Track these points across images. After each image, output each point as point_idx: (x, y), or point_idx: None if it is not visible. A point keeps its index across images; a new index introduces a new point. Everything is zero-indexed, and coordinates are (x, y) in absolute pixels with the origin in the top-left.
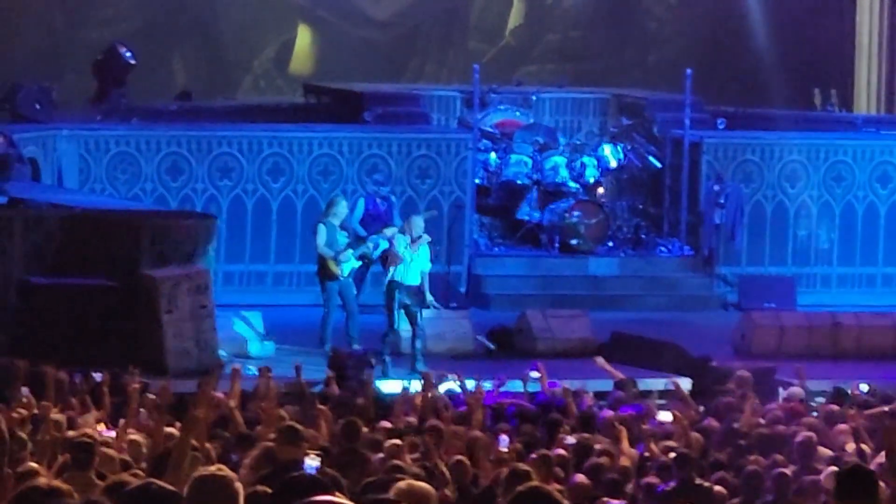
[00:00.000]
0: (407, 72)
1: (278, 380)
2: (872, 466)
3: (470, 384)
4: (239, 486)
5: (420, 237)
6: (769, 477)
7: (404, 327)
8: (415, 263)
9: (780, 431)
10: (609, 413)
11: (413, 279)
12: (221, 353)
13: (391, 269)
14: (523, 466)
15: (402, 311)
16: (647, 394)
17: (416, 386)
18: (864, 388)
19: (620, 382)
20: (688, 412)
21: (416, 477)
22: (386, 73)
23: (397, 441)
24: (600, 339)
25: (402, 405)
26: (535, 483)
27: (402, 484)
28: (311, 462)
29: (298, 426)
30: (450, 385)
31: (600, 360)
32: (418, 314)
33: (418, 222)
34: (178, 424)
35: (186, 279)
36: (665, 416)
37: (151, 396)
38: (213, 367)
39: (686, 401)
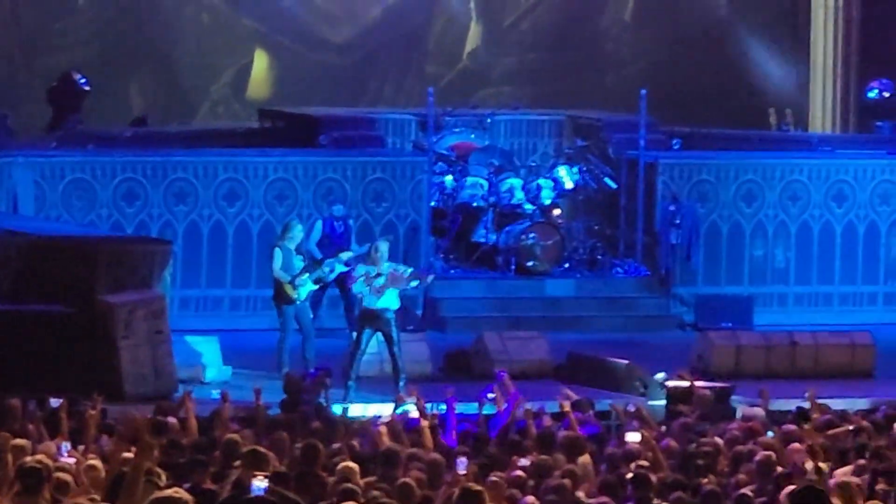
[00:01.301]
0: (365, 96)
1: (236, 404)
2: (831, 484)
3: (428, 407)
4: None
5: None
6: (730, 498)
7: (370, 352)
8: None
9: (738, 451)
10: (568, 433)
11: (382, 302)
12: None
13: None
14: (475, 486)
15: (376, 335)
16: (606, 415)
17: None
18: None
19: (577, 403)
20: (648, 432)
21: (372, 500)
22: (344, 97)
23: (350, 464)
24: (557, 360)
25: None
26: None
27: None
28: (259, 484)
29: (262, 450)
30: (407, 408)
31: (566, 393)
32: (395, 339)
33: (383, 249)
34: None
35: (142, 305)
36: (633, 437)
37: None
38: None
39: (646, 421)
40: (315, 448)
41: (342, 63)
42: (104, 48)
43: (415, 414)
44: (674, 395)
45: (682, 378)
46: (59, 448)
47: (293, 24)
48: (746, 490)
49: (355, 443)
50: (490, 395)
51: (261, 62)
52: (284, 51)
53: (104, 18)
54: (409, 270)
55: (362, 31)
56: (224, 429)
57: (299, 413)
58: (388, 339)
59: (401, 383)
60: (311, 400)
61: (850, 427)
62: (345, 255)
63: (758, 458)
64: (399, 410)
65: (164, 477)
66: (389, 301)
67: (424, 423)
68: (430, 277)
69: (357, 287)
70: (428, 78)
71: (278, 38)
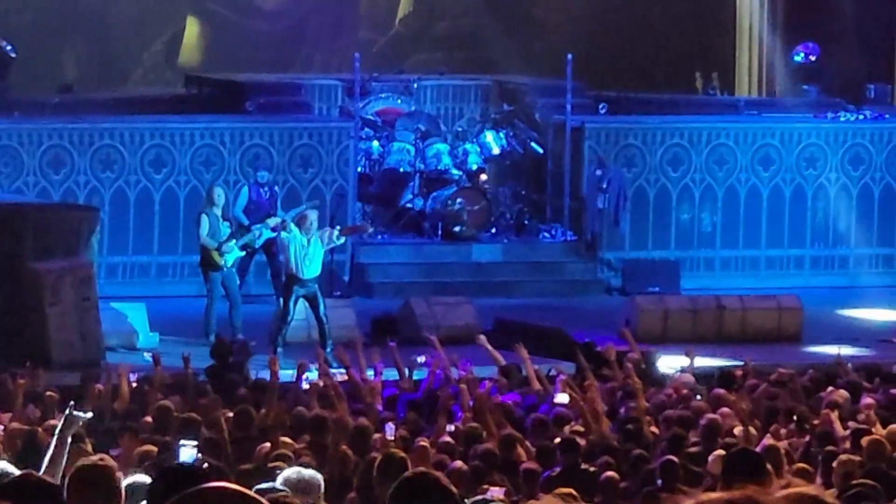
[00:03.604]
0: (297, 62)
1: (164, 370)
2: (759, 448)
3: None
4: (120, 475)
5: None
6: (657, 463)
7: (297, 318)
8: (315, 255)
9: (668, 416)
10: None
11: (312, 271)
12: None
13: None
14: (398, 453)
15: (302, 302)
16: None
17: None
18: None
19: (505, 369)
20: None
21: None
22: (275, 63)
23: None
24: (484, 325)
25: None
26: (422, 469)
27: (289, 471)
28: (188, 452)
29: (195, 416)
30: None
31: (482, 339)
32: (321, 304)
33: (312, 217)
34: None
35: (70, 272)
36: (561, 398)
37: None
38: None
39: (570, 386)
40: (248, 414)
41: (273, 29)
42: (37, 16)
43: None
44: (598, 359)
45: (623, 337)
46: None
47: None
48: (673, 457)
49: (284, 408)
50: (420, 360)
51: (192, 29)
52: (216, 17)
53: None
54: (339, 229)
55: None
56: (155, 393)
57: (227, 379)
58: (315, 305)
59: (328, 349)
60: (238, 366)
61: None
62: (272, 221)
63: (703, 422)
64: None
65: (90, 444)
66: (314, 267)
67: (362, 389)
68: (370, 228)
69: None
70: (360, 44)
71: (210, 6)
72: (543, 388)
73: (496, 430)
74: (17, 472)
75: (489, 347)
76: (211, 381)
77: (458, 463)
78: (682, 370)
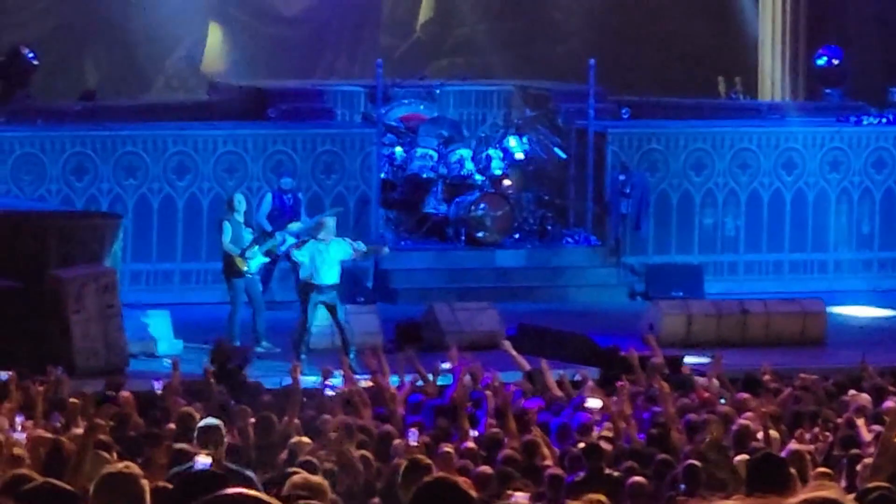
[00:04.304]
0: (318, 68)
1: (186, 377)
2: (784, 453)
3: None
4: (145, 483)
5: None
6: (681, 467)
7: (317, 324)
8: (333, 261)
9: (692, 420)
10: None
11: (330, 278)
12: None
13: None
14: (423, 459)
15: (322, 309)
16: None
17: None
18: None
19: (530, 374)
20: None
21: (325, 472)
22: (297, 70)
23: (303, 438)
24: (508, 331)
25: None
26: (442, 474)
27: (296, 478)
28: (203, 460)
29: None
30: (337, 381)
31: (506, 344)
32: (339, 310)
33: (330, 224)
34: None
35: (93, 279)
36: (594, 403)
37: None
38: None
39: (595, 391)
40: (270, 421)
41: (295, 36)
42: (58, 23)
43: (341, 385)
44: (621, 364)
45: (647, 342)
46: (11, 422)
47: None
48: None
49: (304, 415)
50: (444, 366)
51: (215, 36)
52: (239, 24)
53: None
54: (362, 245)
55: (315, 4)
56: (174, 398)
57: (242, 385)
58: (333, 311)
59: (351, 355)
60: (237, 371)
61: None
62: (294, 227)
63: (735, 427)
64: (332, 382)
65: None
66: (331, 275)
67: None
68: (386, 249)
69: (298, 256)
70: (381, 49)
71: (232, 12)
72: (566, 393)
73: (519, 435)
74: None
75: (513, 352)
76: (230, 388)
77: (484, 467)
78: (707, 374)
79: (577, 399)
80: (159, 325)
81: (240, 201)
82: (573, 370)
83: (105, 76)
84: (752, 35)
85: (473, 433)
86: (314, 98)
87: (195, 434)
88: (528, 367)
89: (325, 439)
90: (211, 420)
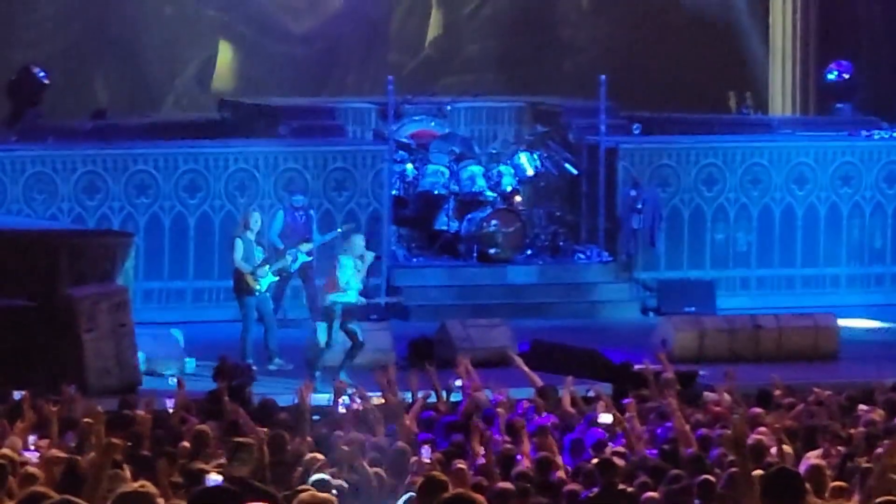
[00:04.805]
0: (328, 85)
1: (198, 396)
2: (803, 468)
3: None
4: (161, 501)
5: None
6: (694, 482)
7: (338, 341)
8: (352, 282)
9: (704, 434)
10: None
11: (352, 297)
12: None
13: (329, 293)
14: (439, 475)
15: (342, 330)
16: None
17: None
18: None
19: (542, 390)
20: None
21: (338, 489)
22: (308, 87)
23: (316, 454)
24: (521, 347)
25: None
26: (460, 490)
27: (304, 495)
28: (214, 477)
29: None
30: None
31: (518, 360)
32: (358, 331)
33: (359, 242)
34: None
35: (105, 297)
36: (605, 418)
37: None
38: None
39: (608, 406)
40: (282, 438)
41: (305, 53)
42: (68, 42)
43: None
44: (634, 380)
45: (658, 359)
46: (25, 441)
47: (256, 15)
48: (710, 476)
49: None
50: (457, 383)
51: (225, 54)
52: (248, 42)
53: (68, 12)
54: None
55: (324, 21)
56: (179, 415)
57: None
58: (352, 335)
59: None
60: (240, 389)
61: (811, 400)
62: (305, 246)
63: (750, 442)
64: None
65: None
66: (351, 295)
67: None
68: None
69: (344, 276)
70: (390, 66)
71: (242, 30)
72: (578, 409)
73: (533, 451)
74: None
75: (525, 368)
76: (243, 408)
77: (503, 484)
78: (718, 390)
79: (590, 415)
80: (172, 344)
81: (255, 219)
82: (586, 386)
83: (115, 95)
84: (763, 50)
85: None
86: (325, 115)
87: (232, 450)
88: (540, 383)
89: (338, 456)
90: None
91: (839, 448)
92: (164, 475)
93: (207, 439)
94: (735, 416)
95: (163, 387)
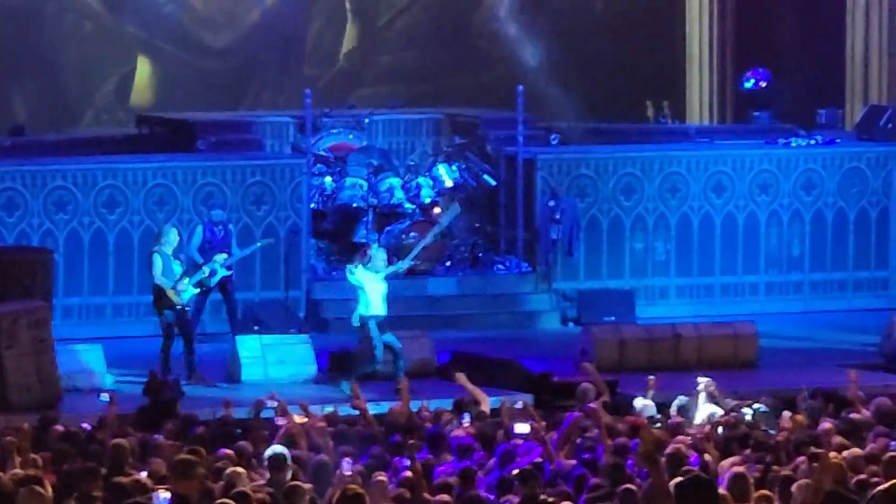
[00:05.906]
0: (245, 99)
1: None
2: (727, 476)
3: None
4: None
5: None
6: (616, 491)
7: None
8: (383, 293)
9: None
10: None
11: (384, 309)
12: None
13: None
14: (356, 489)
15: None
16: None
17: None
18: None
19: (461, 402)
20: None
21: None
22: (225, 101)
23: (238, 468)
24: (440, 358)
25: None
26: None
27: None
28: (164, 495)
29: (193, 458)
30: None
31: (461, 377)
32: (395, 340)
33: (380, 255)
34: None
35: (25, 314)
36: (522, 428)
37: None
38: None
39: (533, 417)
40: (199, 454)
41: (223, 68)
42: None
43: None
44: (555, 390)
45: (584, 370)
46: None
47: (175, 31)
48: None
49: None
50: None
51: (144, 69)
52: (166, 57)
53: None
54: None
55: (242, 36)
56: (110, 432)
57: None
58: (392, 346)
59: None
60: (171, 403)
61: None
62: (219, 258)
63: (668, 450)
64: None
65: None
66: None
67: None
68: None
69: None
70: (306, 80)
71: (160, 45)
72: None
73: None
74: None
75: (469, 385)
76: (171, 422)
77: (444, 496)
78: (642, 399)
79: (509, 426)
80: (92, 359)
81: (169, 234)
82: (507, 397)
83: (34, 111)
84: (680, 58)
85: (407, 462)
86: (243, 129)
87: (265, 461)
88: (486, 398)
89: (260, 470)
90: (277, 448)
91: (763, 454)
92: (87, 490)
93: (126, 455)
94: (643, 431)
95: (83, 403)
